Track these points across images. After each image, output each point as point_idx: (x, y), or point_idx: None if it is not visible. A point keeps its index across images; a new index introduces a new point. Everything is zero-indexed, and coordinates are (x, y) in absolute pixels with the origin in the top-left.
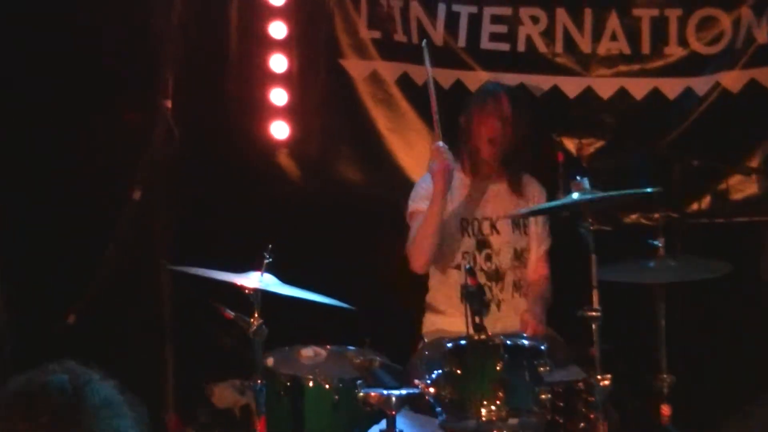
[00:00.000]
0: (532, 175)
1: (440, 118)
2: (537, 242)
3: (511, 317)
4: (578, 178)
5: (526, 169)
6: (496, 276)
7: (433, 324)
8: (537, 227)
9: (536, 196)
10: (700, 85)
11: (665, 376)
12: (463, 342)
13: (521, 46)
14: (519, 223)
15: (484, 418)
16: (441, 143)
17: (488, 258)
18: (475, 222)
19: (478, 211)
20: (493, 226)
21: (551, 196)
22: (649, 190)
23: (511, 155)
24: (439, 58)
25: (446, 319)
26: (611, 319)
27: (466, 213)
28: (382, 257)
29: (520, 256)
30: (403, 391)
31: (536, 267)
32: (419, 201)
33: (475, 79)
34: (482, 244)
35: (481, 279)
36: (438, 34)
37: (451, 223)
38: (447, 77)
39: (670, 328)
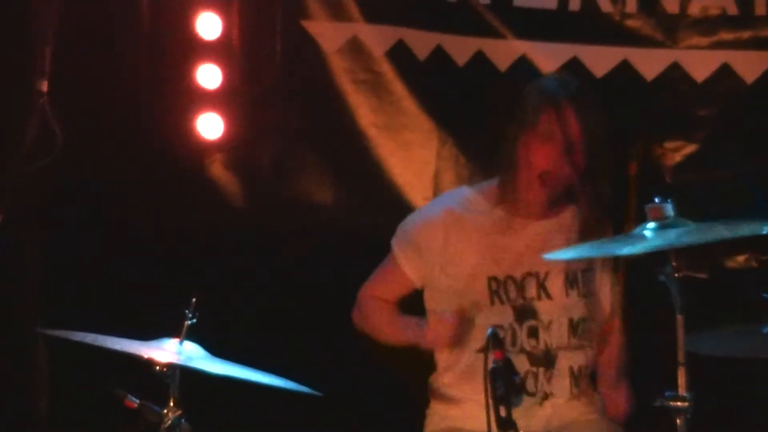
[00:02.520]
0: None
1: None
2: (606, 305)
3: (560, 418)
4: (657, 200)
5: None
6: (545, 360)
7: (441, 419)
8: (604, 283)
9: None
10: None
11: None
12: None
13: (574, 3)
14: (576, 278)
15: None
16: (449, 314)
17: (533, 333)
18: (510, 282)
19: (517, 263)
20: (541, 286)
21: (616, 229)
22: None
23: (576, 191)
24: (450, 19)
25: (460, 410)
26: (705, 410)
27: (497, 268)
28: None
29: (577, 328)
30: None
31: (608, 336)
32: (404, 246)
33: (506, 51)
34: (524, 312)
35: (522, 364)
36: None
37: (473, 284)
38: (463, 48)
39: None
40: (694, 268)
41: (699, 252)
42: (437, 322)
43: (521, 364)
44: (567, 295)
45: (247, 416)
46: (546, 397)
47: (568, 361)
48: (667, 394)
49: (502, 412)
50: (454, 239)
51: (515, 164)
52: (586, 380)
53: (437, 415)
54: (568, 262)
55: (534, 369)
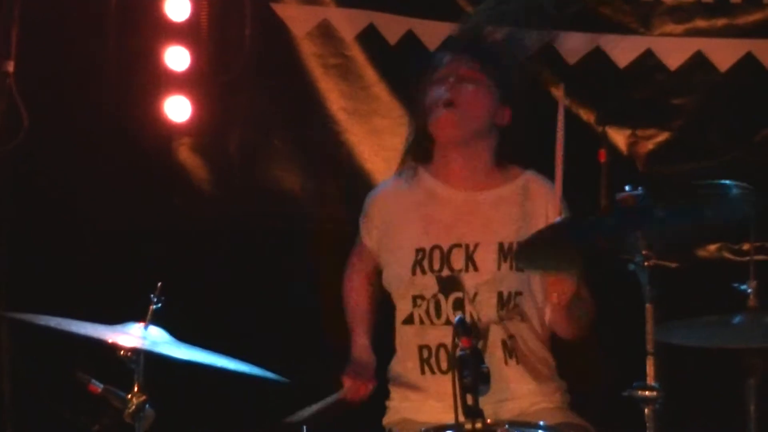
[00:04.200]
0: (539, 173)
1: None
2: (542, 290)
3: (500, 393)
4: (628, 188)
5: (524, 160)
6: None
7: (399, 408)
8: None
9: (544, 207)
10: None
11: None
12: None
13: None
14: (511, 251)
15: None
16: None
17: (458, 305)
18: (436, 251)
19: (444, 233)
20: (469, 258)
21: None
22: (738, 211)
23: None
24: (422, 3)
25: (423, 398)
26: (676, 400)
27: (424, 238)
28: (332, 304)
29: (507, 303)
30: None
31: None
32: (364, 221)
33: None
34: (449, 284)
35: (447, 337)
36: None
37: (401, 255)
38: (434, 33)
39: (764, 413)
40: (664, 256)
41: (670, 241)
42: (356, 384)
43: (447, 336)
44: (498, 267)
45: (212, 402)
46: None
47: (499, 334)
48: (635, 384)
49: (469, 401)
50: (393, 209)
51: (424, 111)
52: (525, 352)
53: (394, 401)
54: (504, 235)
55: None
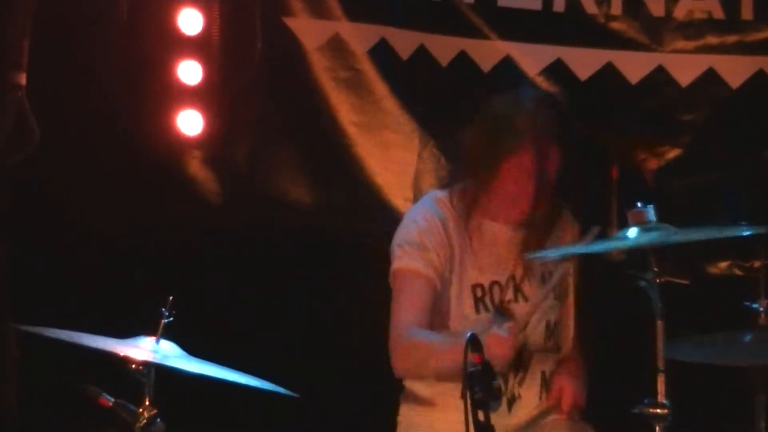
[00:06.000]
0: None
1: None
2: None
3: (527, 425)
4: (639, 205)
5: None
6: (518, 362)
7: (412, 424)
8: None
9: (568, 235)
10: None
11: None
12: None
13: (559, 4)
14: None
15: None
16: (508, 326)
17: None
18: (495, 287)
19: (500, 268)
20: (517, 289)
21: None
22: (748, 228)
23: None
24: (434, 19)
25: (434, 414)
26: (685, 417)
27: (480, 274)
28: (341, 318)
29: (553, 332)
30: None
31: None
32: (412, 254)
33: (489, 52)
34: (500, 314)
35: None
36: None
37: (459, 292)
38: (446, 48)
39: None
40: (674, 273)
41: (681, 258)
42: (496, 343)
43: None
44: (545, 297)
45: (223, 416)
46: (513, 399)
47: (540, 365)
48: (645, 401)
49: (480, 417)
50: (452, 240)
51: (497, 175)
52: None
53: (406, 417)
54: (543, 265)
55: (505, 373)
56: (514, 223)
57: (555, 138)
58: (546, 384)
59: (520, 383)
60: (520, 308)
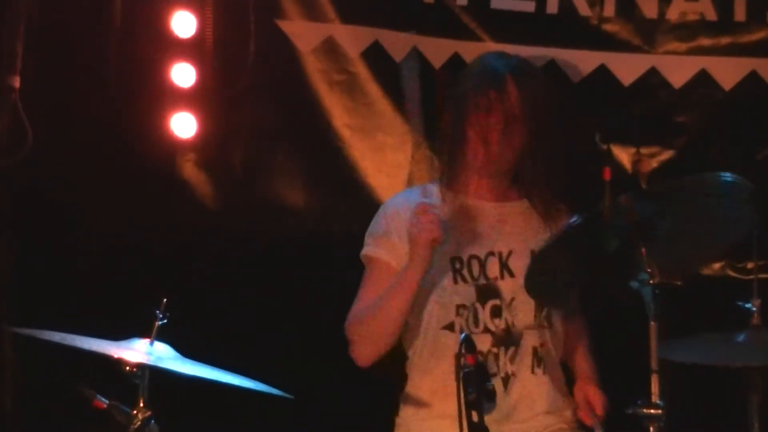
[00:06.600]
0: (561, 201)
1: (424, 113)
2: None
3: (526, 405)
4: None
5: (556, 190)
6: (508, 339)
7: (410, 426)
8: None
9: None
10: None
11: None
12: None
13: (552, 6)
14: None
15: None
16: (427, 200)
17: (496, 312)
18: (474, 261)
19: (478, 243)
20: (504, 265)
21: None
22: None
23: (529, 170)
24: (428, 21)
25: (431, 414)
26: (679, 418)
27: (460, 248)
28: (336, 319)
29: (542, 309)
30: None
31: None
32: (379, 242)
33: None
34: (486, 292)
35: (484, 344)
36: None
37: (437, 265)
38: (439, 50)
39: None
40: (668, 274)
41: (674, 258)
42: (418, 209)
43: (484, 343)
44: None
45: (217, 418)
46: (508, 377)
47: (531, 340)
48: (639, 401)
49: (474, 418)
50: None
51: (462, 136)
52: (550, 362)
53: (404, 421)
54: (534, 243)
55: (495, 349)
56: (493, 198)
57: (509, 71)
58: (538, 359)
59: (512, 360)
60: (505, 283)
